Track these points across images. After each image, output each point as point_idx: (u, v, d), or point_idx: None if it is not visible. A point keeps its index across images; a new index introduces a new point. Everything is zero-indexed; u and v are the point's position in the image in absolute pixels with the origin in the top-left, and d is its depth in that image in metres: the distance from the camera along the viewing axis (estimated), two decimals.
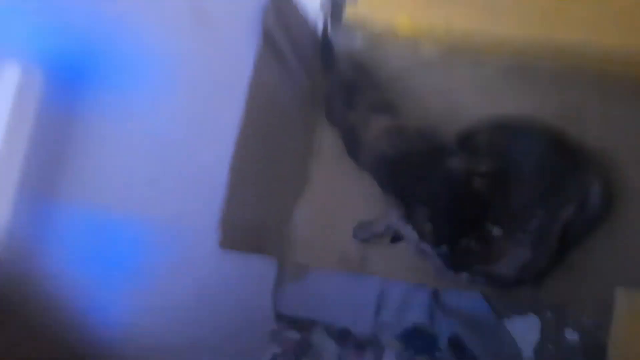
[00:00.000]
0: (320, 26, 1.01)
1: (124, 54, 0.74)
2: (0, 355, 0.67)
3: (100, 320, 0.75)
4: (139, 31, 0.74)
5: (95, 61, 0.74)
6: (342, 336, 0.95)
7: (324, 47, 0.97)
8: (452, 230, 0.81)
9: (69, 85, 0.73)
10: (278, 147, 0.98)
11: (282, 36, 0.94)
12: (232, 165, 0.88)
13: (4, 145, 0.66)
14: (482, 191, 0.79)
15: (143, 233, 0.76)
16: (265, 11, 0.89)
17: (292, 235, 1.01)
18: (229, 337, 0.93)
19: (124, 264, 0.75)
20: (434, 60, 0.96)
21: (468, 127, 0.86)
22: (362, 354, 0.92)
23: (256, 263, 0.99)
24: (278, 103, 0.97)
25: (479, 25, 0.84)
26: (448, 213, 0.81)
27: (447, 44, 0.94)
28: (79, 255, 0.74)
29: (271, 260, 1.01)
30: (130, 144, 0.77)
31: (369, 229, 0.92)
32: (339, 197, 0.97)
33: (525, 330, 0.83)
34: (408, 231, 0.83)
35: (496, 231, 0.79)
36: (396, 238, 0.88)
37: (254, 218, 0.96)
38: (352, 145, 0.93)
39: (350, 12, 0.96)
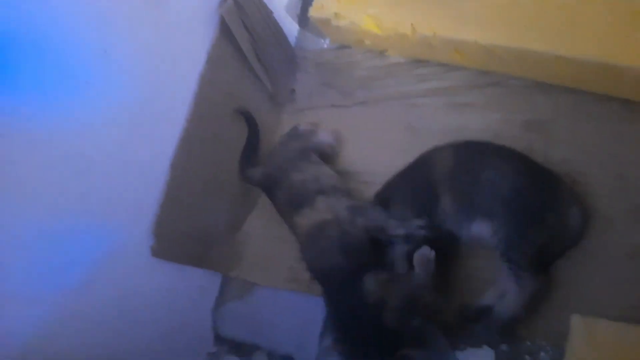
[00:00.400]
0: (285, 26, 0.98)
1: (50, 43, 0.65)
2: None
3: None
4: (66, 14, 0.65)
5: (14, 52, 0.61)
6: None
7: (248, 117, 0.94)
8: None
9: None
10: (228, 152, 0.92)
11: (242, 32, 0.90)
12: (173, 164, 0.82)
13: None
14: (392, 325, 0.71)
15: (63, 230, 0.69)
16: (225, 2, 0.86)
17: (240, 249, 0.94)
18: (158, 355, 0.85)
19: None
20: (400, 66, 0.94)
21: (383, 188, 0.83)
22: None
23: (196, 277, 0.91)
24: (232, 103, 0.92)
25: (444, 30, 0.82)
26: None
27: (413, 50, 0.91)
28: None
29: (214, 275, 0.94)
30: (59, 141, 0.68)
31: None
32: None
33: None
34: None
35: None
36: None
37: (196, 227, 0.88)
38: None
39: (316, 12, 0.93)
